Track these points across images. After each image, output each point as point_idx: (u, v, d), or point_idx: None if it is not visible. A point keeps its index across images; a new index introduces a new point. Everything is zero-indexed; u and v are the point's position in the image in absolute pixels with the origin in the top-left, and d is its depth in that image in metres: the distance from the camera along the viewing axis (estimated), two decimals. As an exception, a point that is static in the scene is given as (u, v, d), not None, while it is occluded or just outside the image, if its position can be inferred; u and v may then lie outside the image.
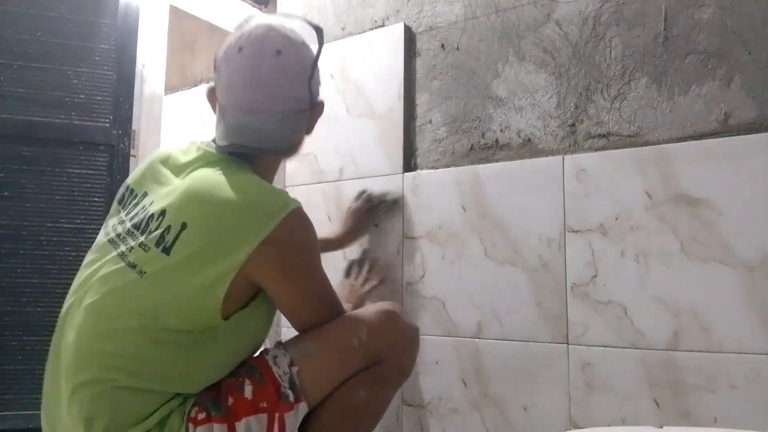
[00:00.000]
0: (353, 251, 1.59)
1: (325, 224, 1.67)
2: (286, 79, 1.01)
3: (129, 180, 1.06)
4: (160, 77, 1.99)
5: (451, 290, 1.46)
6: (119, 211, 1.02)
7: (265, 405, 0.92)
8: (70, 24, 1.84)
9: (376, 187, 1.60)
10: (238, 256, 0.88)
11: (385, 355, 1.04)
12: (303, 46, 1.05)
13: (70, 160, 1.81)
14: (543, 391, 1.31)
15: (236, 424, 0.90)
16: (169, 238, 0.89)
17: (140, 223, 0.94)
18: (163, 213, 0.92)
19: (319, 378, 0.98)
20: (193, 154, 1.01)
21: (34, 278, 1.74)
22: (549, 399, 1.30)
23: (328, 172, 1.73)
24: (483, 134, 1.49)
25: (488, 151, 1.47)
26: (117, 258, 0.92)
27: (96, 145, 1.85)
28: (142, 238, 0.92)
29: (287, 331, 1.74)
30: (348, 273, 1.50)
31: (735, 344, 1.11)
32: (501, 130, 1.46)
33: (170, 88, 2.09)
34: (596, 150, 1.31)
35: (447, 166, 1.53)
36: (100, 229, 1.05)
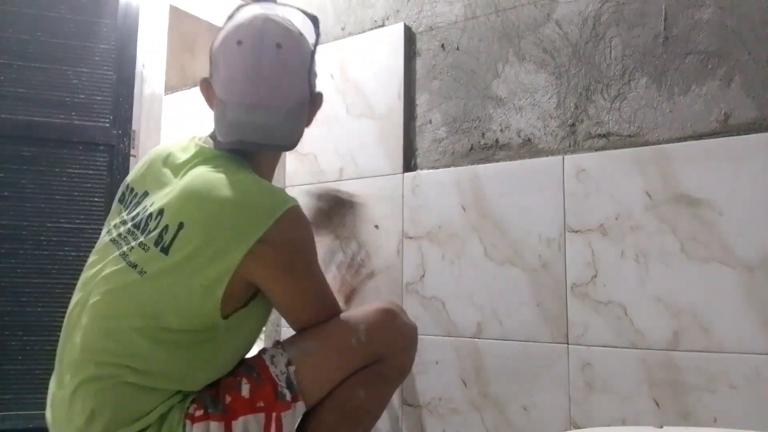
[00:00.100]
0: (345, 243, 1.60)
1: (325, 224, 1.67)
2: (287, 73, 0.99)
3: (129, 178, 1.05)
4: (160, 77, 1.99)
5: (451, 290, 1.46)
6: (120, 211, 1.01)
7: (262, 404, 0.92)
8: (70, 24, 1.84)
9: (375, 188, 1.60)
10: (235, 256, 0.88)
11: (384, 354, 1.04)
12: (301, 37, 1.03)
13: (70, 160, 1.81)
14: (543, 391, 1.31)
15: (233, 423, 0.90)
16: (167, 237, 0.89)
17: (140, 223, 0.94)
18: (161, 212, 0.92)
19: (317, 377, 0.98)
20: (191, 151, 1.00)
21: (34, 278, 1.74)
22: (549, 399, 1.30)
23: (328, 172, 1.73)
24: (483, 134, 1.49)
25: (488, 151, 1.48)
26: (119, 258, 0.93)
27: (96, 145, 1.85)
28: (142, 238, 0.92)
29: (287, 331, 1.74)
30: (339, 264, 1.48)
31: (735, 344, 1.11)
32: (501, 130, 1.46)
33: (170, 88, 2.09)
34: (596, 150, 1.31)
35: (447, 166, 1.53)
36: (100, 229, 1.05)
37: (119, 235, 0.96)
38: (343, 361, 1.00)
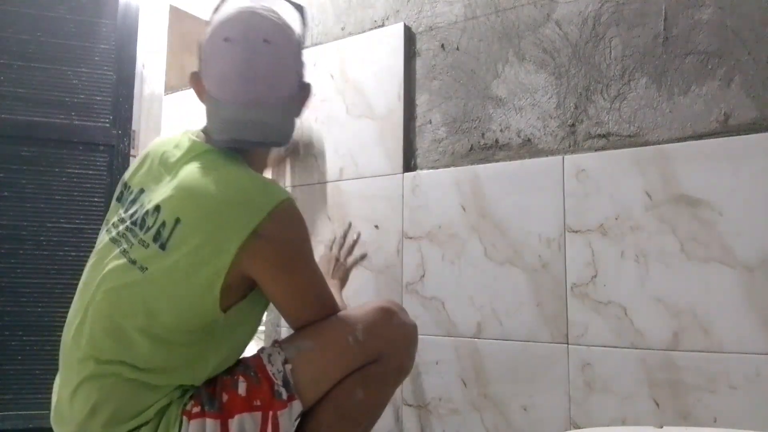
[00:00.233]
0: (339, 226, 1.60)
1: (325, 224, 1.67)
2: (277, 69, 1.00)
3: (125, 176, 1.06)
4: (160, 77, 1.99)
5: (451, 290, 1.46)
6: (118, 209, 1.02)
7: (258, 403, 0.93)
8: (70, 24, 1.84)
9: (375, 188, 1.60)
10: (230, 250, 0.89)
11: (383, 354, 1.04)
12: (288, 29, 1.03)
13: (70, 160, 1.81)
14: (543, 391, 1.31)
15: (229, 421, 0.91)
16: (165, 233, 0.90)
17: (138, 220, 0.95)
18: (157, 209, 0.93)
19: (314, 376, 0.98)
20: (184, 147, 1.01)
21: (34, 278, 1.74)
22: (549, 399, 1.30)
23: (328, 172, 1.73)
24: (483, 134, 1.49)
25: (488, 151, 1.48)
26: (119, 255, 0.94)
27: (96, 145, 1.85)
28: (141, 235, 0.93)
29: (286, 331, 1.74)
30: (331, 247, 1.46)
31: (735, 344, 1.11)
32: (501, 130, 1.46)
33: (170, 88, 2.09)
34: (596, 150, 1.31)
35: (447, 166, 1.53)
36: (99, 229, 1.05)
37: (118, 233, 0.96)
38: (340, 360, 0.99)
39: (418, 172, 1.56)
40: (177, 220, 0.90)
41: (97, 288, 0.93)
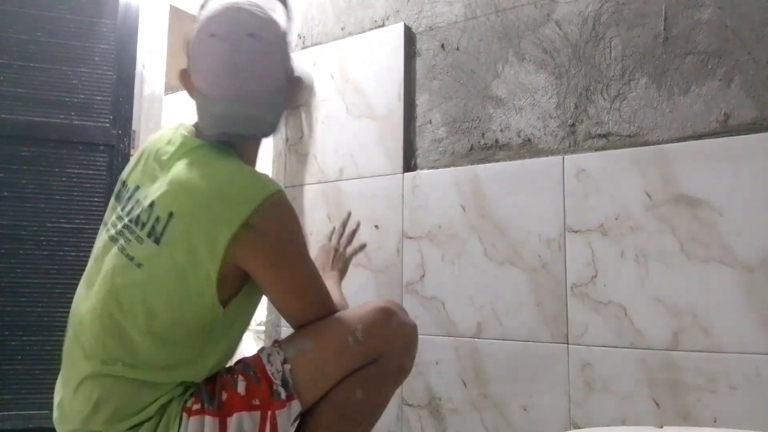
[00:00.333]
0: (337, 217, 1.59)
1: (325, 224, 1.67)
2: (263, 62, 1.01)
3: (123, 174, 1.07)
4: (160, 77, 1.99)
5: (451, 290, 1.46)
6: (116, 207, 1.03)
7: (257, 402, 0.93)
8: (70, 24, 1.84)
9: (375, 188, 1.60)
10: (222, 242, 0.89)
11: (383, 354, 1.03)
12: (273, 23, 1.03)
13: (70, 160, 1.81)
14: (543, 391, 1.31)
15: (228, 419, 0.91)
16: (159, 228, 0.92)
17: (134, 217, 0.96)
18: (152, 205, 0.94)
19: (313, 376, 0.98)
20: (177, 143, 1.02)
21: (34, 278, 1.75)
22: (549, 399, 1.30)
23: (328, 172, 1.73)
24: (483, 134, 1.49)
25: (488, 151, 1.48)
26: (118, 252, 0.95)
27: (96, 145, 1.85)
28: (138, 231, 0.94)
29: (287, 331, 1.74)
30: (330, 237, 1.44)
31: (735, 344, 1.11)
32: (501, 130, 1.46)
33: (170, 88, 2.09)
34: (596, 150, 1.31)
35: (447, 166, 1.53)
36: (99, 228, 1.06)
37: (117, 231, 0.98)
38: (339, 360, 0.99)
39: (418, 172, 1.56)
40: (170, 215, 0.91)
41: (97, 287, 0.95)
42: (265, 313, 1.84)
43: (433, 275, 1.49)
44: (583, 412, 1.25)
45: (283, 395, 0.94)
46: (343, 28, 1.79)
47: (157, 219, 0.92)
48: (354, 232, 1.41)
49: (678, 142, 1.22)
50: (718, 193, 1.15)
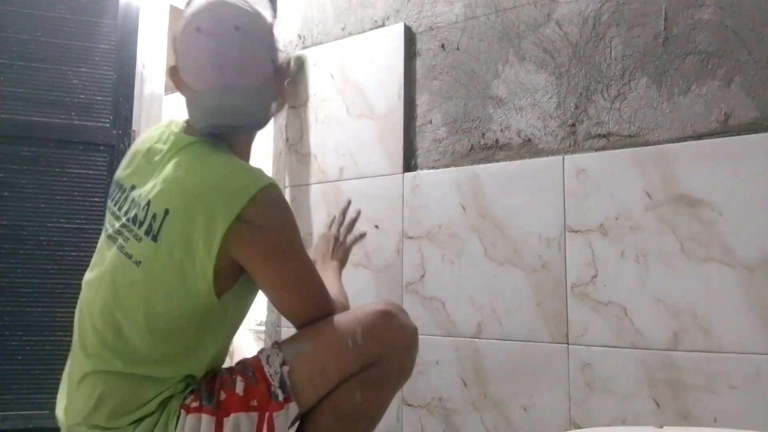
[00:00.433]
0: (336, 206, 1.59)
1: (325, 224, 1.67)
2: (249, 54, 1.01)
3: (116, 175, 1.08)
4: (160, 77, 1.99)
5: (451, 290, 1.46)
6: (112, 208, 1.03)
7: (255, 403, 0.93)
8: (70, 24, 1.84)
9: (375, 188, 1.60)
10: (217, 236, 0.90)
11: (383, 357, 1.02)
12: (258, 16, 1.04)
13: (70, 160, 1.81)
14: (543, 391, 1.31)
15: (225, 419, 0.92)
16: (156, 225, 0.93)
17: (132, 217, 0.97)
18: (148, 203, 0.95)
19: (311, 378, 0.97)
20: (169, 141, 1.03)
21: (34, 278, 1.75)
22: (549, 399, 1.30)
23: (328, 172, 1.73)
24: (483, 134, 1.49)
25: (488, 151, 1.48)
26: (117, 252, 0.96)
27: (96, 145, 1.85)
28: (136, 230, 0.95)
29: (287, 331, 1.74)
30: (330, 225, 1.43)
31: (735, 344, 1.11)
32: (501, 130, 1.46)
33: (170, 88, 2.09)
34: (596, 150, 1.31)
35: (447, 166, 1.53)
36: (100, 229, 1.07)
37: (116, 231, 0.99)
38: (338, 363, 0.99)
39: (418, 172, 1.56)
40: (166, 212, 0.92)
41: (99, 287, 0.96)
42: (266, 313, 1.84)
43: (433, 275, 1.49)
44: (583, 412, 1.25)
45: (281, 397, 0.94)
46: (343, 28, 1.79)
47: (154, 217, 0.93)
48: (354, 221, 1.40)
49: (678, 142, 1.22)
50: (718, 193, 1.15)
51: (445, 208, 1.49)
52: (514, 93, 1.44)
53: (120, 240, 0.96)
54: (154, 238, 0.92)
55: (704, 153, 1.18)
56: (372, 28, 1.71)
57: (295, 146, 1.82)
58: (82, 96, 1.84)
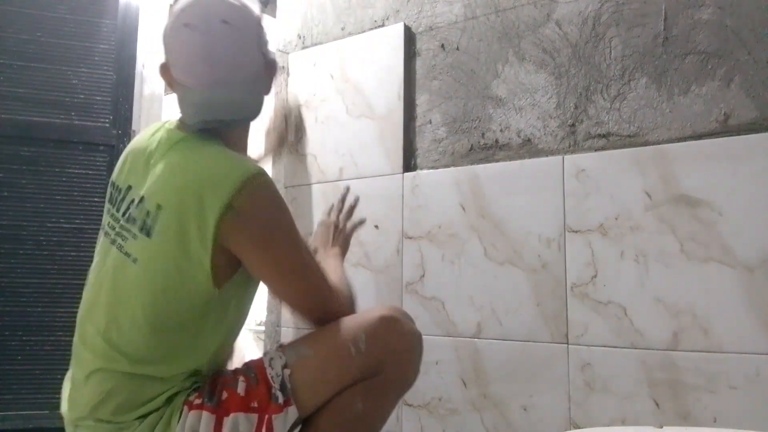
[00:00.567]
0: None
1: (323, 212, 1.66)
2: (238, 47, 1.01)
3: (113, 176, 1.08)
4: (159, 77, 1.99)
5: (451, 290, 1.46)
6: (110, 209, 1.04)
7: (256, 405, 0.93)
8: (70, 24, 1.84)
9: (375, 188, 1.60)
10: (209, 226, 0.90)
11: (386, 364, 1.01)
12: (245, 9, 1.04)
13: (70, 160, 1.81)
14: (543, 391, 1.31)
15: (224, 419, 0.92)
16: (150, 222, 0.93)
17: (128, 216, 0.97)
18: (142, 200, 0.96)
19: (311, 383, 0.97)
20: (162, 139, 1.03)
21: (34, 278, 1.75)
22: (549, 399, 1.30)
23: (328, 172, 1.73)
24: (483, 134, 1.49)
25: (488, 151, 1.47)
26: (117, 251, 0.97)
27: (96, 145, 1.85)
28: (132, 228, 0.96)
29: (287, 331, 1.74)
30: (329, 213, 1.41)
31: (735, 344, 1.11)
32: (501, 130, 1.46)
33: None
34: (596, 150, 1.31)
35: (447, 166, 1.53)
36: (99, 228, 1.07)
37: (115, 232, 0.99)
38: (340, 369, 0.98)
39: (418, 172, 1.56)
40: (158, 207, 0.93)
41: (99, 287, 0.97)
42: (265, 313, 1.84)
43: (433, 275, 1.49)
44: (583, 412, 1.25)
45: (281, 399, 0.94)
46: (343, 28, 1.79)
47: (147, 213, 0.94)
48: (353, 207, 1.39)
49: (678, 142, 1.22)
50: (718, 193, 1.15)
51: (445, 208, 1.49)
52: (514, 93, 1.44)
53: (119, 240, 0.97)
54: (148, 234, 0.93)
55: (704, 153, 1.18)
56: (372, 28, 1.71)
57: (295, 146, 1.82)
58: (82, 96, 1.84)
